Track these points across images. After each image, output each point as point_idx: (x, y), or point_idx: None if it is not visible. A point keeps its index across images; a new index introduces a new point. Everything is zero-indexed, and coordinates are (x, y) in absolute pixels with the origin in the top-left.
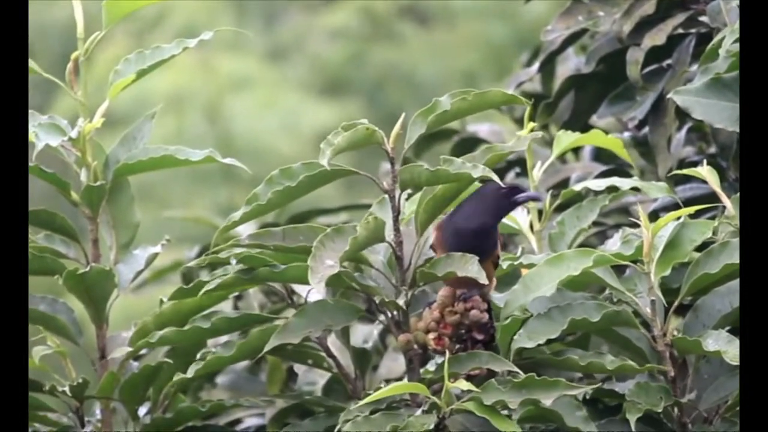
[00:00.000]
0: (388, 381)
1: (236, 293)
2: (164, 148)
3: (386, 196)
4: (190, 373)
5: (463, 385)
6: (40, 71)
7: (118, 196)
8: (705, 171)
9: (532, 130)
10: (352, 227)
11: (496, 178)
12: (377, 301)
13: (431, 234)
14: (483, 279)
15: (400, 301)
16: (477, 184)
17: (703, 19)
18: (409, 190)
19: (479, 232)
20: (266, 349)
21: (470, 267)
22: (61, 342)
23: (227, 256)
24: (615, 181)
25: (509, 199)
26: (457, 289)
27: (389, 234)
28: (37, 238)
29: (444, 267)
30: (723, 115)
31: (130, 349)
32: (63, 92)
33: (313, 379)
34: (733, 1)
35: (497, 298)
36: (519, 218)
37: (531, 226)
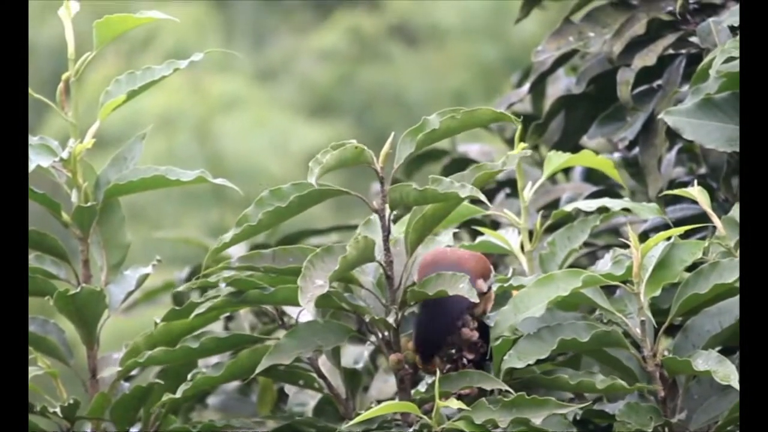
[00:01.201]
0: (379, 402)
1: (227, 314)
2: (155, 168)
3: (375, 215)
4: (178, 393)
5: (454, 403)
6: (30, 92)
7: (109, 217)
8: (696, 191)
9: (523, 150)
10: (341, 247)
11: (483, 198)
12: (367, 321)
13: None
14: (474, 297)
15: (390, 320)
16: (467, 205)
17: (694, 39)
18: (396, 212)
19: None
20: (258, 370)
21: (460, 285)
22: (51, 363)
23: (216, 280)
24: (606, 202)
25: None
26: None
27: (379, 254)
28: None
29: (435, 286)
30: (714, 136)
31: (119, 368)
32: (53, 113)
33: (304, 400)
34: (723, 22)
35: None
36: (510, 239)
37: (522, 247)
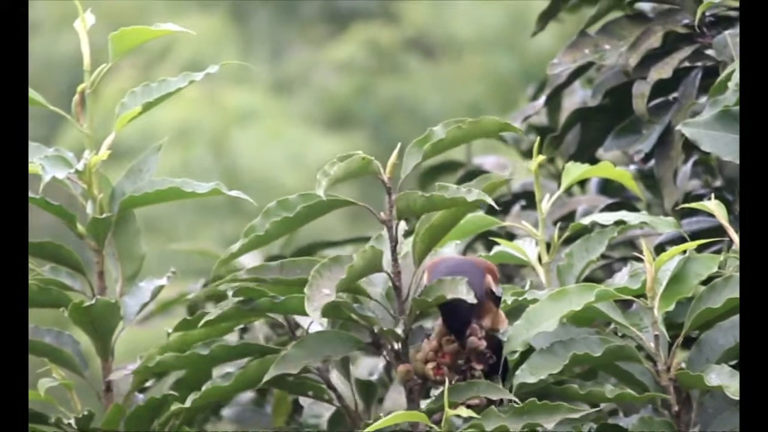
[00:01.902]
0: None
1: (242, 326)
2: (170, 180)
3: (384, 226)
4: (188, 403)
5: (464, 412)
6: (46, 104)
7: (124, 229)
8: (713, 205)
9: (540, 164)
10: (349, 257)
11: (490, 201)
12: (376, 331)
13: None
14: (471, 299)
15: (399, 330)
16: (482, 216)
17: (710, 52)
18: (405, 227)
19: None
20: (265, 379)
21: (459, 288)
22: (66, 374)
23: (224, 289)
24: (623, 215)
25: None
26: None
27: (387, 265)
28: (42, 270)
29: (434, 292)
30: (731, 148)
31: (127, 372)
32: (69, 125)
33: (319, 412)
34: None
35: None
36: (527, 250)
37: (539, 258)
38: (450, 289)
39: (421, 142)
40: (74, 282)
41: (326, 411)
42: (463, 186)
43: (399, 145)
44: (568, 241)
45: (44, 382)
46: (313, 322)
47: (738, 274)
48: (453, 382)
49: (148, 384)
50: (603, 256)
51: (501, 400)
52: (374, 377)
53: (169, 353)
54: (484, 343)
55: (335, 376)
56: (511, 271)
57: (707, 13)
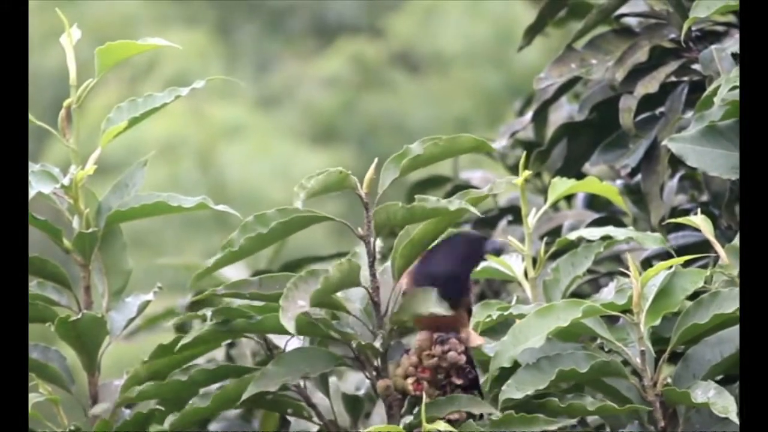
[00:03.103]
0: None
1: (229, 341)
2: (156, 195)
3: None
4: (166, 425)
5: (441, 426)
6: (32, 119)
7: (111, 244)
8: (699, 219)
9: (526, 178)
10: (325, 270)
11: (473, 209)
12: (354, 346)
13: (403, 280)
14: (445, 312)
15: (377, 345)
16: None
17: (696, 67)
18: (381, 244)
19: (450, 278)
20: (243, 397)
21: (430, 302)
22: (53, 389)
23: (202, 313)
24: (610, 230)
25: (479, 247)
26: (434, 333)
27: (365, 280)
28: (29, 285)
29: (408, 307)
30: (717, 163)
31: (107, 406)
32: (55, 140)
33: (306, 427)
34: (726, 49)
35: (487, 348)
36: (513, 265)
37: (525, 274)
38: (421, 304)
39: (399, 157)
40: (60, 297)
41: (313, 427)
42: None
43: (376, 160)
44: (555, 256)
45: (31, 398)
46: (291, 340)
47: (725, 289)
48: (433, 397)
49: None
50: (589, 271)
51: (481, 415)
52: (361, 392)
53: (149, 383)
54: (464, 358)
55: (316, 393)
56: (497, 286)
57: (693, 28)
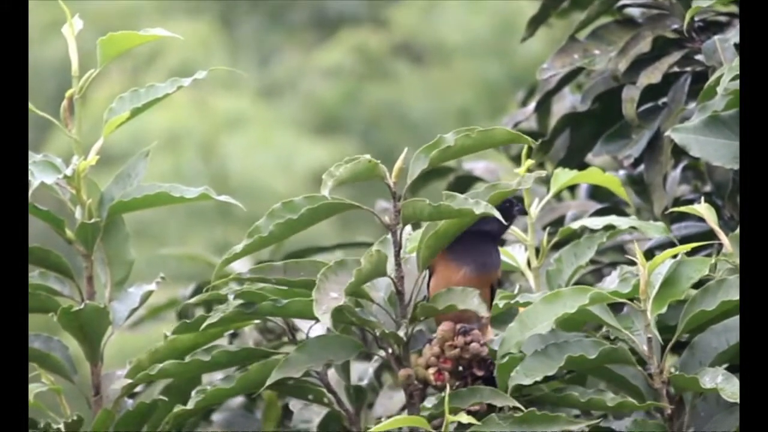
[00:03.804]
0: (379, 420)
1: (232, 332)
2: (159, 185)
3: (389, 231)
4: (190, 405)
5: (464, 418)
6: (34, 109)
7: (113, 234)
8: (703, 209)
9: (529, 168)
10: (354, 261)
11: (498, 215)
12: (378, 335)
13: (434, 264)
14: (483, 312)
15: (401, 333)
16: None
17: (699, 57)
18: (409, 232)
19: (500, 231)
20: (268, 382)
21: (471, 300)
22: (55, 379)
23: (225, 293)
24: (613, 220)
25: (510, 210)
26: (456, 323)
27: (390, 269)
28: (31, 275)
29: (445, 300)
30: (720, 153)
31: (129, 381)
32: (57, 130)
33: (309, 417)
34: (728, 39)
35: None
36: (516, 255)
37: (528, 264)
38: (460, 300)
39: (429, 148)
40: (63, 287)
41: (316, 416)
42: (471, 197)
43: (406, 150)
44: (558, 246)
45: (33, 388)
46: (314, 326)
47: (731, 276)
48: (453, 388)
49: (137, 389)
50: (592, 261)
51: (500, 407)
52: (364, 382)
53: (170, 361)
54: (486, 350)
55: (333, 380)
56: (501, 276)
57: (696, 18)
